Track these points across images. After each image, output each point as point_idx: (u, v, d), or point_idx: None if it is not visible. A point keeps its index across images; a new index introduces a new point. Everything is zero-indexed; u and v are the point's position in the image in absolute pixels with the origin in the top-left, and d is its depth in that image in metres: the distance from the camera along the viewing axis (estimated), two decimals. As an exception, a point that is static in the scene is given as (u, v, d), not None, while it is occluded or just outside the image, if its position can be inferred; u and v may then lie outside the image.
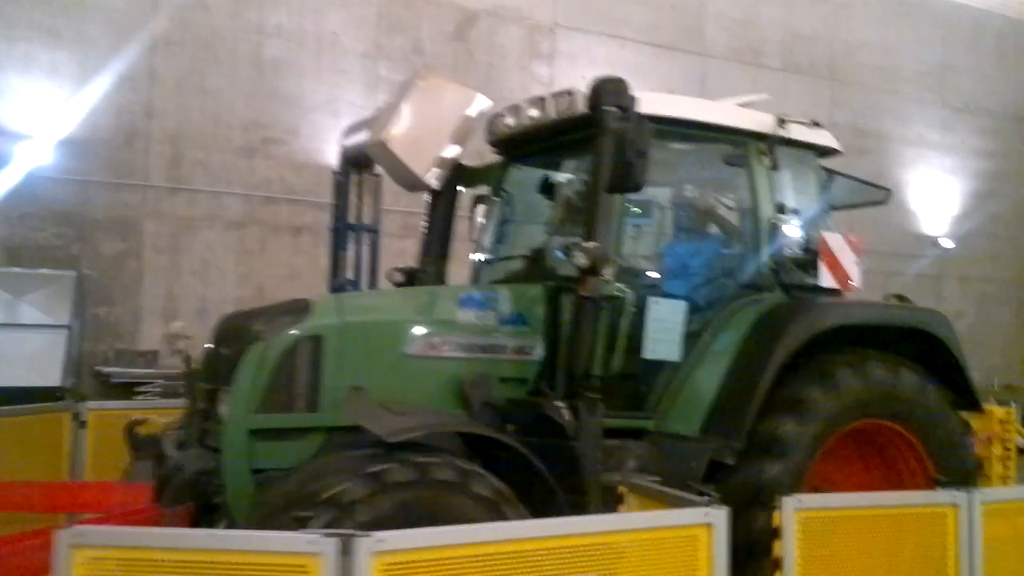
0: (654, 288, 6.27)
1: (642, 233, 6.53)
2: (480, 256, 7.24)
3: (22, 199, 11.20)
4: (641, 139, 5.32)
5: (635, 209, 6.39)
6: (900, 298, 7.35)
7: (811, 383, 5.92)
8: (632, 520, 3.95)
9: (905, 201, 18.32)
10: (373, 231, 8.33)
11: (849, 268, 6.63)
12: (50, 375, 10.55)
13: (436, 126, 6.85)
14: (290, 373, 5.38)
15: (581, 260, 5.42)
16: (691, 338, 6.19)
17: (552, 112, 6.28)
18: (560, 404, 5.45)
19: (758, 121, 6.42)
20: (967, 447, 6.54)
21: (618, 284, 5.79)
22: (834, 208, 7.48)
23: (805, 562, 4.38)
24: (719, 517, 4.01)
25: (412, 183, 7.05)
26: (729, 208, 6.68)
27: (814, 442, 5.84)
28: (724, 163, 6.48)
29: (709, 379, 6.05)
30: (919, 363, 6.37)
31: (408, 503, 4.51)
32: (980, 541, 4.62)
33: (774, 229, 6.43)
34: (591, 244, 5.47)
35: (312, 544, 3.21)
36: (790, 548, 4.34)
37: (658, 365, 6.18)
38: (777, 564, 4.37)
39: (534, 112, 6.46)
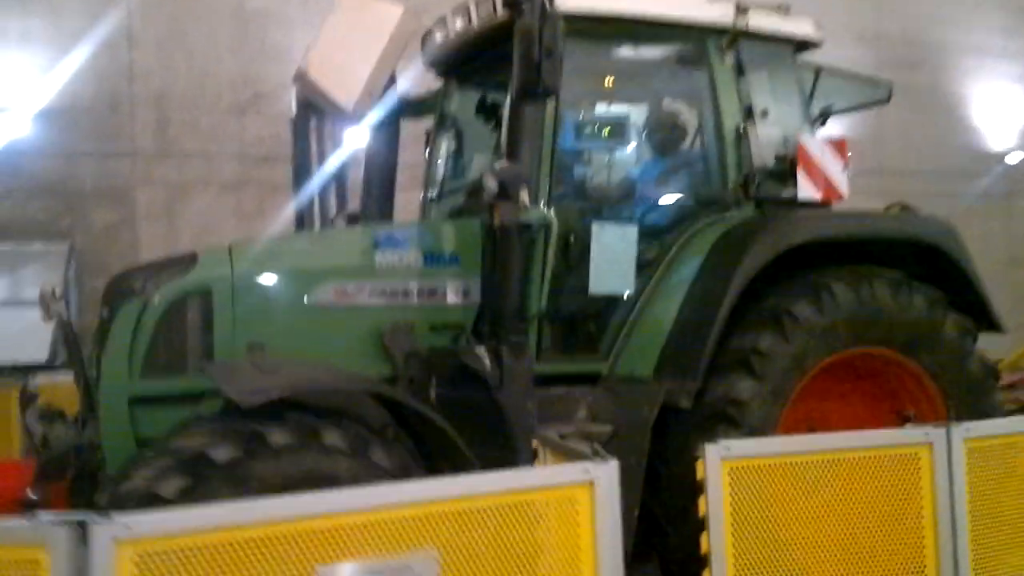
0: (601, 213, 5.48)
1: (588, 151, 5.71)
2: (430, 193, 6.54)
3: (4, 174, 10.89)
4: (550, 36, 4.53)
5: (586, 123, 5.60)
6: (904, 208, 6.41)
7: (795, 297, 5.10)
8: (479, 483, 3.22)
9: (967, 117, 16.86)
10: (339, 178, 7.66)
11: (834, 177, 5.72)
12: (41, 351, 10.29)
13: (359, 49, 6.12)
14: (176, 333, 4.79)
15: (490, 184, 4.67)
16: (648, 268, 5.42)
17: (475, 21, 5.51)
18: (480, 350, 4.75)
19: (713, 12, 5.51)
20: (991, 389, 5.61)
21: (543, 209, 5.02)
22: (829, 114, 6.58)
23: (738, 522, 3.62)
24: (605, 473, 3.26)
25: (343, 115, 6.35)
26: (688, 117, 5.82)
27: (795, 363, 5.04)
28: (678, 65, 5.64)
29: (665, 312, 5.26)
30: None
31: (286, 470, 3.90)
32: (964, 485, 3.79)
33: (742, 137, 5.57)
34: (502, 165, 4.73)
35: (38, 531, 2.59)
36: (717, 507, 3.58)
37: (611, 301, 5.43)
38: (702, 524, 3.62)
39: (460, 23, 5.70)
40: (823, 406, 5.54)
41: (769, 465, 3.67)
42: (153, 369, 4.71)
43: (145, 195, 11.63)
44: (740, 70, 5.58)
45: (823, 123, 6.95)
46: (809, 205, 5.64)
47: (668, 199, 5.80)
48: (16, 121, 10.82)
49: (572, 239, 5.26)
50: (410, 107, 6.61)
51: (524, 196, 4.71)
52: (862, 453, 3.78)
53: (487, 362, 4.66)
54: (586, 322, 5.46)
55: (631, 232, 5.32)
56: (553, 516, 3.23)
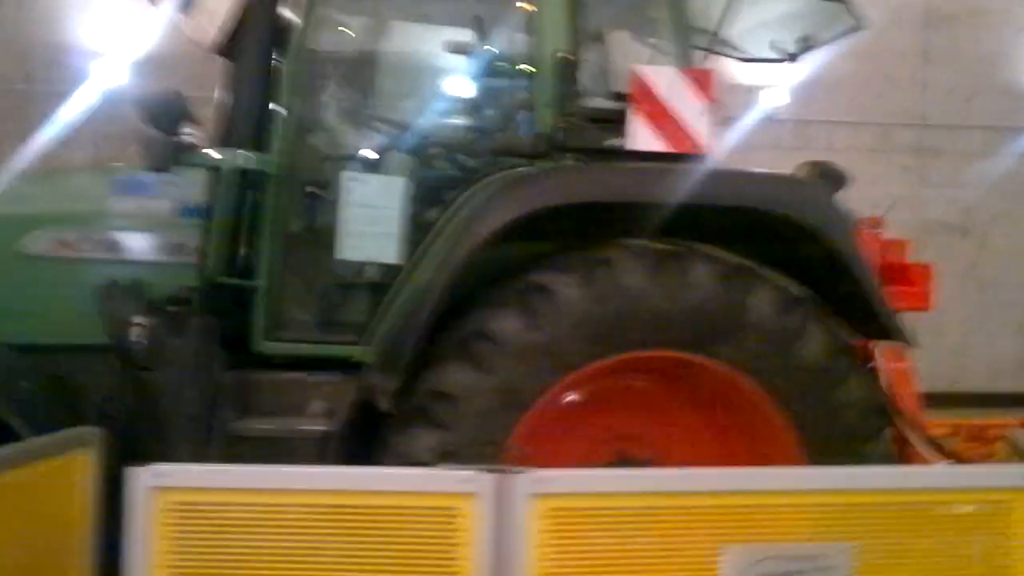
0: (370, 163, 4.45)
1: (354, 86, 4.66)
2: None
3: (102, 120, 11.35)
4: None
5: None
6: (816, 165, 4.77)
7: (561, 271, 3.81)
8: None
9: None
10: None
11: (691, 122, 4.29)
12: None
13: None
14: None
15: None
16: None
17: None
18: (138, 321, 4.00)
19: None
20: (872, 432, 4.01)
21: (266, 156, 4.12)
22: (809, 47, 5.07)
23: None
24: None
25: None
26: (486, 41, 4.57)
27: (541, 354, 3.76)
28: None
29: (416, 289, 4.19)
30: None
31: None
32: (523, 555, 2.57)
33: (565, 69, 4.30)
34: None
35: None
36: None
37: (376, 272, 4.42)
38: None
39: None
40: (644, 421, 4.25)
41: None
42: None
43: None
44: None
45: (792, 59, 5.42)
46: (663, 157, 4.25)
47: (462, 147, 4.63)
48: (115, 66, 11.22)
49: (320, 192, 4.33)
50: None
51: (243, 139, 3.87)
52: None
53: (134, 335, 3.93)
54: (343, 296, 4.51)
55: (396, 185, 4.28)
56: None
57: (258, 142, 4.04)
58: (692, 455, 4.21)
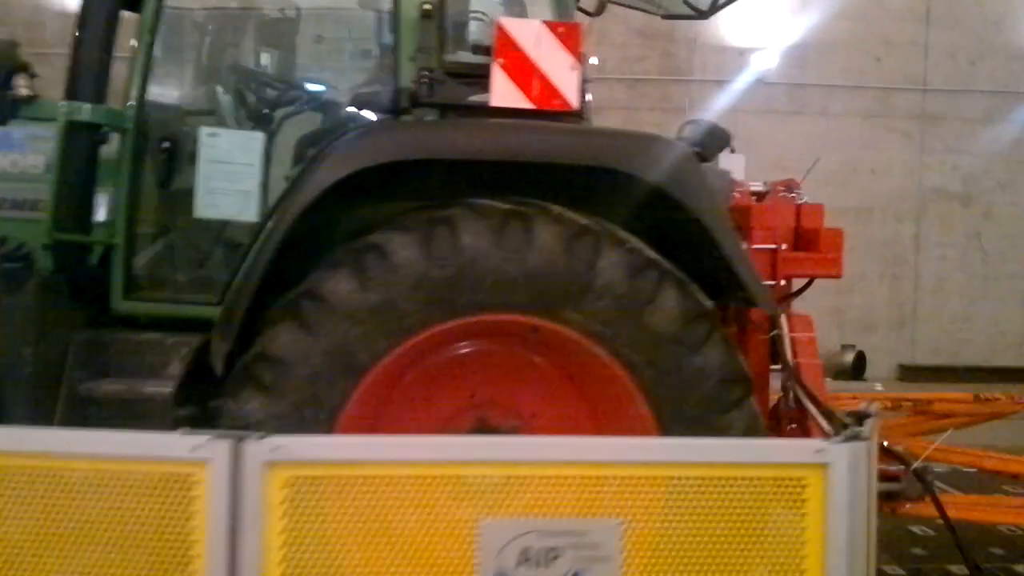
0: (227, 118, 4.30)
1: (213, 40, 4.49)
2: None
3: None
4: None
5: None
6: (697, 124, 4.54)
7: (341, 260, 3.64)
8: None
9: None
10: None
11: (558, 78, 4.08)
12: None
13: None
14: None
15: None
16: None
17: None
18: None
19: None
20: (729, 403, 3.81)
21: (111, 109, 3.99)
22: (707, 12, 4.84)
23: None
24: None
25: None
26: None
27: (335, 364, 3.60)
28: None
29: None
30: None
31: None
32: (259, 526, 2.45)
33: (427, 18, 4.11)
34: None
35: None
36: None
37: (236, 230, 4.30)
38: None
39: None
40: (508, 388, 4.10)
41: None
42: None
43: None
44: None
45: (704, 15, 5.19)
46: (529, 114, 4.06)
47: (323, 103, 4.45)
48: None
49: (178, 148, 4.20)
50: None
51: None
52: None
53: None
54: (204, 255, 4.38)
55: (255, 141, 4.13)
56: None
57: (101, 94, 3.92)
58: (558, 423, 4.06)
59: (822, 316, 14.19)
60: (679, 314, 3.74)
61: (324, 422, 3.60)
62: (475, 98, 4.06)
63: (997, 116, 13.41)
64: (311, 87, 4.39)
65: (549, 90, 4.03)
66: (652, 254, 3.75)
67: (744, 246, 4.04)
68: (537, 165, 3.71)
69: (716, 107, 13.04)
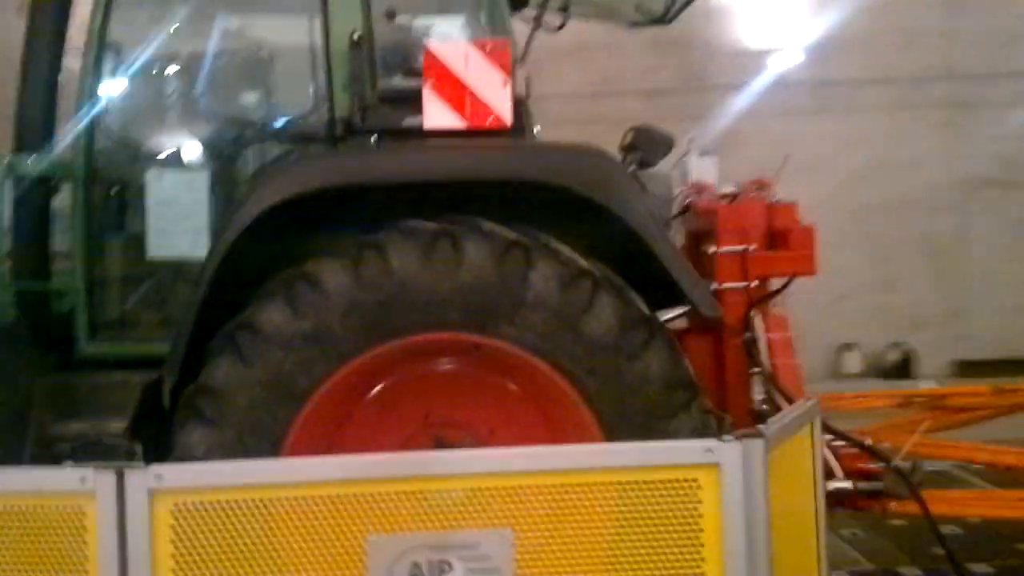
0: (167, 158, 4.41)
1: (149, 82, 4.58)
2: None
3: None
4: None
5: None
6: (639, 132, 4.48)
7: (274, 290, 3.68)
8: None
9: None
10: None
11: (489, 96, 4.10)
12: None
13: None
14: None
15: None
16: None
17: None
18: None
19: None
20: (676, 408, 3.74)
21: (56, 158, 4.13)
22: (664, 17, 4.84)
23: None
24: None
25: None
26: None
27: (273, 392, 3.64)
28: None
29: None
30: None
31: None
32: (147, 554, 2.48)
33: (357, 48, 4.18)
34: None
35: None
36: None
37: (193, 267, 4.39)
38: None
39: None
40: (462, 405, 4.11)
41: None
42: None
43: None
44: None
45: (663, 21, 5.18)
46: (463, 134, 4.09)
47: (266, 137, 4.53)
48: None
49: (129, 192, 4.32)
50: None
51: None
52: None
53: None
54: (162, 293, 4.49)
55: (199, 181, 4.24)
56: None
57: (48, 143, 4.07)
58: (516, 439, 4.05)
59: (868, 316, 13.92)
60: (616, 322, 3.72)
61: (268, 450, 3.65)
62: (409, 122, 4.11)
63: (1033, 98, 12.99)
64: (254, 123, 4.49)
65: (481, 109, 4.06)
66: (585, 264, 3.74)
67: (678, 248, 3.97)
68: (467, 183, 3.74)
69: (737, 112, 12.90)
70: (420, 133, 4.08)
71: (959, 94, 13.25)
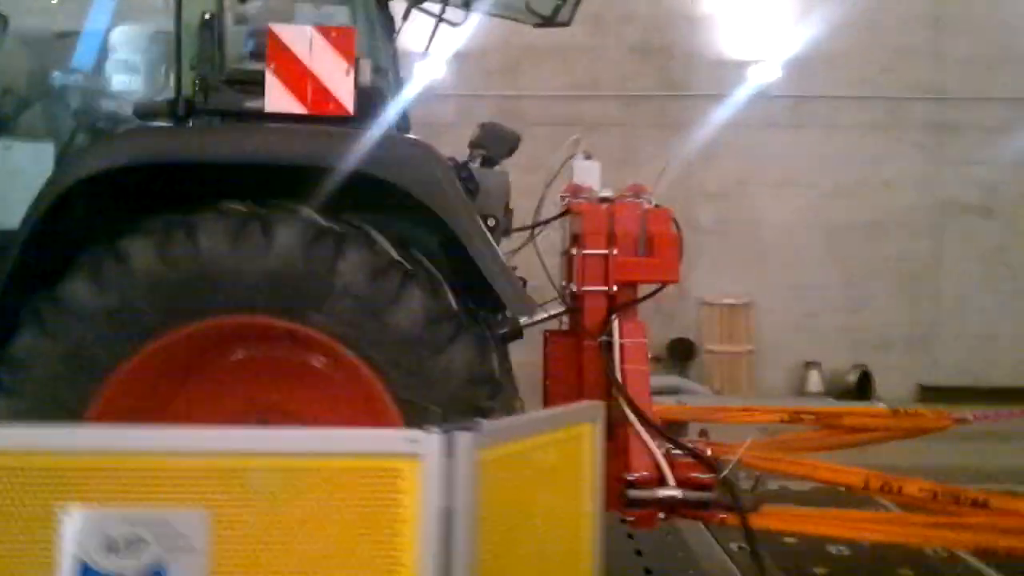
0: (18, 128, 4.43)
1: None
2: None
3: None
4: None
5: None
6: (484, 127, 4.46)
7: (83, 264, 3.71)
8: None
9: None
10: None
11: (331, 82, 4.11)
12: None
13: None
14: None
15: None
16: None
17: None
18: None
19: None
20: (477, 399, 3.76)
21: None
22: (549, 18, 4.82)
23: None
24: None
25: None
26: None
27: (74, 366, 3.67)
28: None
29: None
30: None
31: None
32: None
33: (207, 27, 4.19)
34: None
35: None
36: None
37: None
38: None
39: None
40: (286, 390, 4.13)
41: None
42: None
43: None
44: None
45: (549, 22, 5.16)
46: (303, 119, 4.09)
47: (114, 114, 4.55)
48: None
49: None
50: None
51: None
52: None
53: None
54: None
55: (47, 152, 4.29)
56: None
57: None
58: (340, 424, 4.06)
59: (834, 335, 13.76)
60: (423, 315, 3.72)
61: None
62: (251, 104, 4.13)
63: (1018, 124, 12.81)
64: (103, 99, 4.52)
65: (323, 95, 4.07)
66: (396, 256, 3.74)
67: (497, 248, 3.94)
68: (280, 168, 3.76)
69: (715, 122, 12.81)
70: (262, 116, 4.10)
71: (942, 116, 13.11)
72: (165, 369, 3.93)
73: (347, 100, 4.07)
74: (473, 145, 4.52)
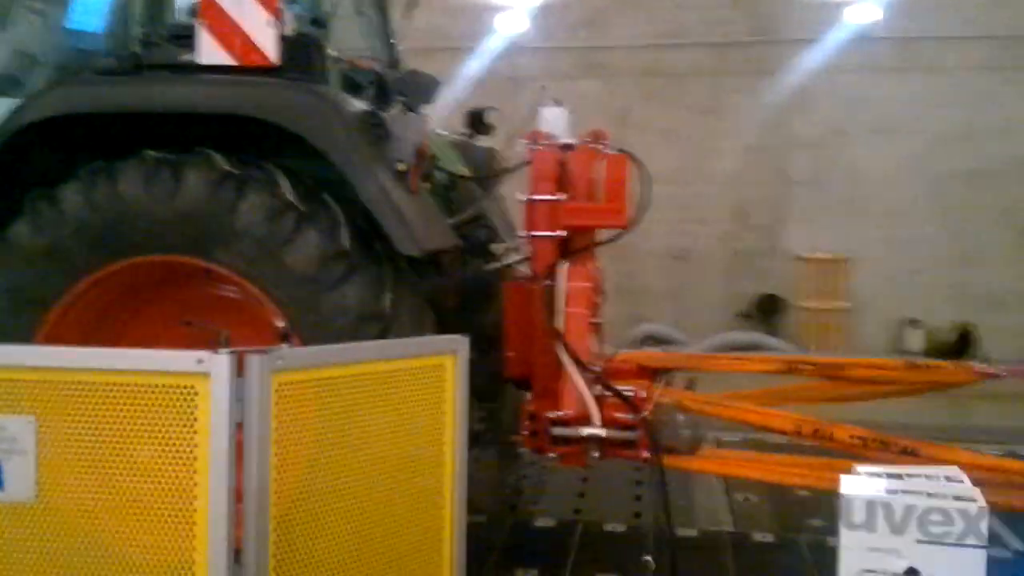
0: None
1: None
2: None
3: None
4: None
5: None
6: (406, 76, 4.47)
7: (25, 207, 4.12)
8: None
9: None
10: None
11: (254, 33, 4.32)
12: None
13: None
14: None
15: None
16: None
17: None
18: None
19: None
20: (343, 309, 3.97)
21: None
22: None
23: None
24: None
25: None
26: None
27: (15, 300, 4.10)
28: None
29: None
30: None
31: None
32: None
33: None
34: None
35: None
36: None
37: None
38: None
39: None
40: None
41: None
42: None
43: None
44: None
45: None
46: (230, 70, 4.32)
47: (74, 70, 4.84)
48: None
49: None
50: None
51: None
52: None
53: None
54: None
55: (3, 106, 4.64)
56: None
57: None
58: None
59: (937, 292, 13.05)
60: (317, 255, 3.93)
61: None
62: (187, 58, 4.41)
63: None
64: (63, 56, 4.87)
65: (248, 46, 4.31)
66: (294, 199, 3.95)
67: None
68: (182, 115, 4.03)
69: (810, 68, 12.34)
70: (201, 69, 4.37)
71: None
72: (104, 306, 4.29)
73: (271, 51, 4.28)
74: (392, 92, 4.66)
